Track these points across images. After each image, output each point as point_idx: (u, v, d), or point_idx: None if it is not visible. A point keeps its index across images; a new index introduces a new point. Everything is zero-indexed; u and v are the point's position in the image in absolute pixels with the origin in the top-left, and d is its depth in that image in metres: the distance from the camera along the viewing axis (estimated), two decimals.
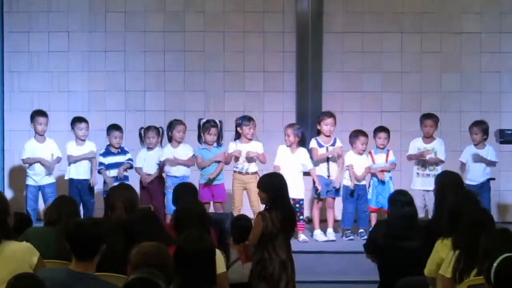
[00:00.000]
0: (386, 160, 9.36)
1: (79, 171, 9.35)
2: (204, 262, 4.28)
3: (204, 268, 4.27)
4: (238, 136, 9.27)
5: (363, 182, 9.26)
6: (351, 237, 9.17)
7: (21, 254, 4.67)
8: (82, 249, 4.36)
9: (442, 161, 9.32)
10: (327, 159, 9.22)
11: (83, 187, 9.31)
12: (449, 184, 6.26)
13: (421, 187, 9.31)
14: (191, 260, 4.22)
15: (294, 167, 9.11)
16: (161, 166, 9.26)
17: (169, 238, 5.14)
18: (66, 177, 9.40)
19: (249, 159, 9.15)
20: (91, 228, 4.41)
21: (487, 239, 4.64)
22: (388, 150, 9.42)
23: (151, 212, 5.78)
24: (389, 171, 9.35)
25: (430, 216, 9.19)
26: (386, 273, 6.15)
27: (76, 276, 4.32)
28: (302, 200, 9.16)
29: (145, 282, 3.76)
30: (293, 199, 8.84)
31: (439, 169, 9.21)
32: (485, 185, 9.37)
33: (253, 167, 9.19)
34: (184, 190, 6.57)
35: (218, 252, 4.91)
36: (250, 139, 9.22)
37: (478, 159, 9.33)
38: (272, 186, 6.22)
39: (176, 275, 4.15)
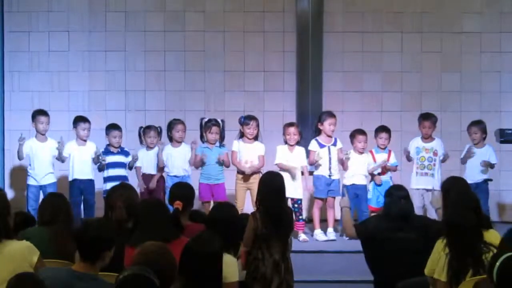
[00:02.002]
0: (388, 160, 9.35)
1: (83, 171, 9.34)
2: (208, 266, 4.19)
3: (208, 272, 4.19)
4: (242, 135, 9.27)
5: (364, 183, 9.26)
6: None
7: (21, 254, 4.67)
8: (88, 249, 4.35)
9: (441, 157, 9.33)
10: (329, 159, 9.19)
11: (85, 187, 9.30)
12: (451, 188, 6.24)
13: (420, 186, 9.31)
14: (196, 262, 4.17)
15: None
16: (159, 168, 9.31)
17: (171, 229, 5.13)
18: (70, 178, 9.37)
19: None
20: (100, 230, 4.41)
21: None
22: (389, 151, 9.42)
23: (158, 200, 5.83)
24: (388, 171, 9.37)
25: (428, 215, 9.21)
26: (381, 267, 6.13)
27: (76, 275, 4.33)
28: (301, 200, 9.13)
29: (138, 277, 3.77)
30: (292, 199, 8.84)
31: (437, 168, 9.24)
32: (481, 186, 9.21)
33: None
34: (182, 188, 6.52)
35: (233, 260, 4.89)
36: (251, 139, 9.21)
37: (484, 164, 9.27)
38: (262, 184, 6.20)
39: (180, 275, 4.14)
